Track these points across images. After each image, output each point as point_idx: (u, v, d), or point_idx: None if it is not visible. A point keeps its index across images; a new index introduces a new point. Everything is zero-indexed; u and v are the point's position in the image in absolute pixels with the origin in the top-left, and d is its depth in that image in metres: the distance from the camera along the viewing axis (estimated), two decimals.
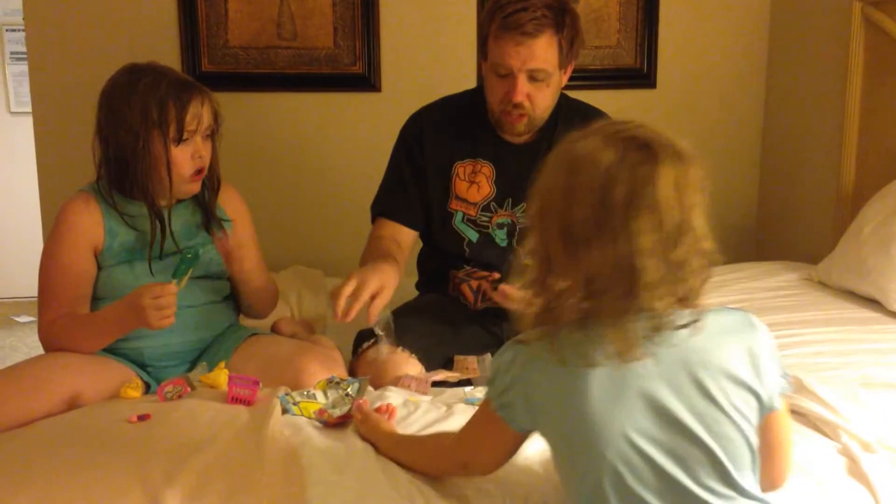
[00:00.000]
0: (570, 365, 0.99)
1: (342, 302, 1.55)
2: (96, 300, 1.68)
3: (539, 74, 1.72)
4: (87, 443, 1.27)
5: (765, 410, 1.02)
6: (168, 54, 2.74)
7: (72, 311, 1.63)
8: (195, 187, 1.70)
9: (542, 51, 1.70)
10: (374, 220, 1.96)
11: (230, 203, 1.81)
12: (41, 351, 1.67)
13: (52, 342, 1.63)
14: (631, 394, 0.98)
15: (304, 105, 2.89)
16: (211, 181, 1.74)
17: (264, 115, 2.86)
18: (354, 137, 2.90)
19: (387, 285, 1.60)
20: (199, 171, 1.68)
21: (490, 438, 1.13)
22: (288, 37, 2.83)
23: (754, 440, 1.01)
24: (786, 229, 3.02)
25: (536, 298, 1.02)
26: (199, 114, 1.63)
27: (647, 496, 0.98)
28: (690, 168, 0.96)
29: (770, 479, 1.07)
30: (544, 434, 1.07)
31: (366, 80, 2.87)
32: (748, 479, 1.01)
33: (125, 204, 1.67)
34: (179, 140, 1.62)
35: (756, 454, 1.02)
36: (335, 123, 2.91)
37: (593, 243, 0.95)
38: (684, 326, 0.98)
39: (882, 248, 2.09)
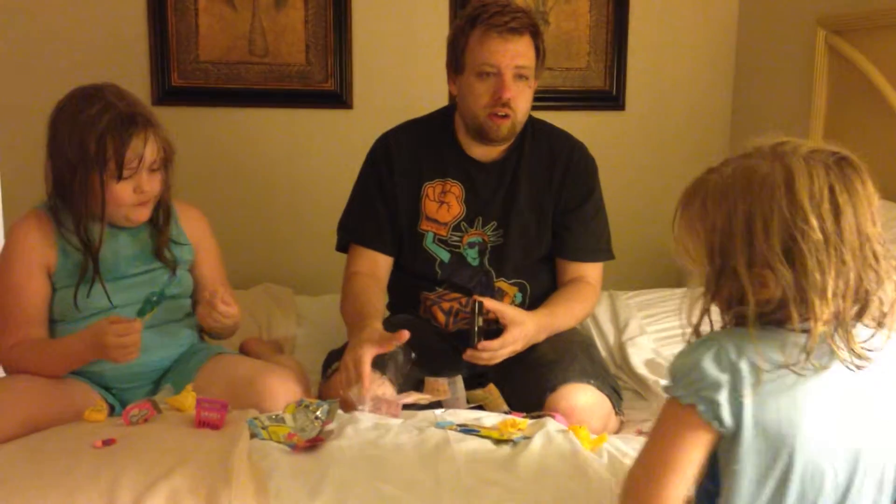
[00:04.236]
0: (792, 365, 0.95)
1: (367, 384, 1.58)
2: (53, 322, 1.65)
3: (525, 72, 1.77)
4: (52, 468, 1.25)
5: None
6: (138, 69, 2.72)
7: (30, 333, 1.59)
8: (142, 214, 1.65)
9: (526, 48, 1.77)
10: (344, 246, 1.95)
11: (190, 225, 1.78)
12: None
13: (14, 366, 1.60)
14: (835, 402, 0.97)
15: (275, 121, 2.88)
16: (156, 213, 1.70)
17: (234, 131, 2.84)
18: (325, 154, 2.89)
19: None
20: (143, 203, 1.64)
21: (687, 441, 0.98)
22: (259, 53, 2.82)
23: None
24: None
25: (725, 313, 1.02)
26: (140, 152, 1.58)
27: None
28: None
29: None
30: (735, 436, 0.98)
31: (337, 97, 2.87)
32: None
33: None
34: (120, 177, 1.58)
35: None
36: (306, 140, 2.90)
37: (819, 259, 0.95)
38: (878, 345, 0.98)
39: None
